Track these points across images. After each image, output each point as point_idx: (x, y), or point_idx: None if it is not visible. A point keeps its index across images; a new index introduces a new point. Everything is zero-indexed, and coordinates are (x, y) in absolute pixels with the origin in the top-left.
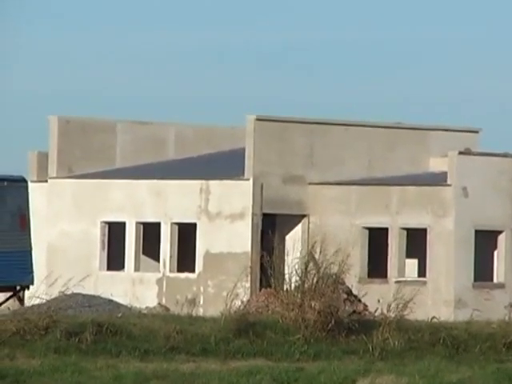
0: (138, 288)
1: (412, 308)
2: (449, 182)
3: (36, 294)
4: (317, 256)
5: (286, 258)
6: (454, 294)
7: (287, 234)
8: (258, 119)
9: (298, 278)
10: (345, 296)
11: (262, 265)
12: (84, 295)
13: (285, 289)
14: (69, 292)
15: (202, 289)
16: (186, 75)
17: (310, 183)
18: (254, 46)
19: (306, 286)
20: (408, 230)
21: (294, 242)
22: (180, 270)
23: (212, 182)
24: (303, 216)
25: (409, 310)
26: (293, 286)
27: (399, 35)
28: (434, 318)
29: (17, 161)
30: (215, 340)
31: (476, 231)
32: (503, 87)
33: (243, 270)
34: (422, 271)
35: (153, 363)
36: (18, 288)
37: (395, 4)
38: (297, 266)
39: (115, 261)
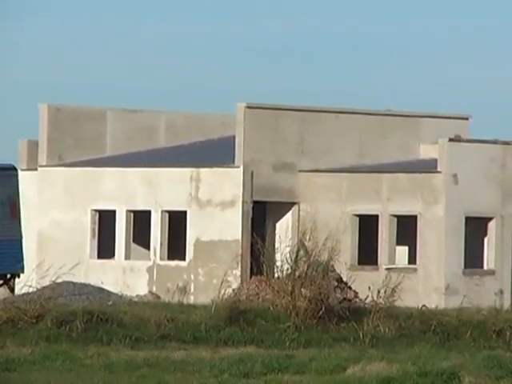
0: (129, 276)
1: (402, 295)
2: (439, 169)
3: (27, 283)
4: (307, 244)
5: (276, 245)
6: (444, 281)
7: (278, 221)
8: (248, 107)
9: (288, 266)
10: (335, 283)
11: (252, 252)
12: (75, 283)
13: (276, 276)
14: (59, 280)
15: (192, 277)
16: (177, 63)
17: (300, 171)
18: (245, 35)
19: (296, 273)
20: (398, 217)
21: (284, 229)
22: (170, 257)
23: (203, 170)
24: (294, 204)
25: (398, 296)
26: (284, 273)
27: (389, 23)
28: (423, 306)
29: (7, 149)
30: (206, 328)
31: (466, 218)
32: (493, 74)
33: (234, 257)
34: (412, 258)
35: (144, 351)
36: (8, 276)
37: None
38: (288, 254)
39: (106, 249)
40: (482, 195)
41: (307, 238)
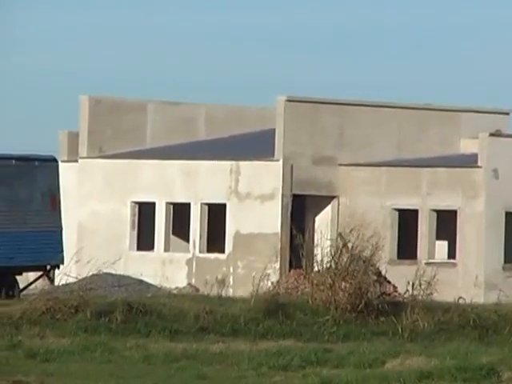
0: (168, 268)
1: (441, 289)
2: (479, 164)
3: (66, 274)
4: (348, 238)
5: (315, 239)
6: (484, 275)
7: (317, 215)
8: (288, 100)
9: (329, 260)
10: (374, 278)
11: (291, 246)
12: (114, 275)
13: (315, 270)
14: (99, 271)
15: (231, 269)
16: (217, 56)
17: (339, 164)
18: (285, 27)
19: (337, 267)
20: (438, 211)
21: (323, 223)
22: (210, 250)
23: (242, 163)
24: (333, 197)
25: (435, 290)
26: (324, 267)
27: (429, 16)
28: (460, 297)
29: (48, 141)
30: (245, 320)
31: (506, 213)
32: None
33: (273, 251)
34: (451, 253)
35: (182, 343)
36: (48, 267)
37: None
38: (328, 248)
39: (145, 241)
40: None
41: (348, 232)
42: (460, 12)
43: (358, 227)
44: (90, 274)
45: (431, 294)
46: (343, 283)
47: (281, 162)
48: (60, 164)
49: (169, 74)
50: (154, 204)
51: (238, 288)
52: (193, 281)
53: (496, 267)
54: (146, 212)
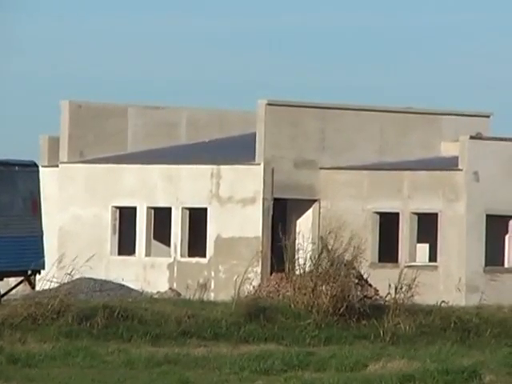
0: (150, 273)
1: (422, 292)
2: (460, 167)
3: (48, 279)
4: (329, 241)
5: (297, 242)
6: (465, 278)
7: (298, 218)
8: (269, 104)
9: (310, 263)
10: (356, 281)
11: (273, 249)
12: (95, 280)
13: (296, 273)
14: (80, 276)
15: (213, 273)
16: (198, 60)
17: (321, 168)
18: (266, 31)
19: (319, 270)
20: (419, 214)
21: (305, 226)
22: (191, 254)
23: (223, 167)
24: (314, 201)
25: (416, 293)
26: (305, 270)
27: (409, 20)
28: (443, 301)
29: (28, 146)
30: (226, 324)
31: (487, 216)
32: None
33: (254, 254)
34: (433, 256)
35: (164, 348)
36: (29, 272)
37: None
38: (309, 251)
39: (126, 245)
40: (503, 193)
41: (329, 235)
42: (441, 15)
43: (339, 230)
44: (72, 278)
45: (413, 296)
46: (325, 286)
47: (262, 165)
48: (41, 169)
49: (150, 79)
50: (135, 208)
51: (220, 292)
52: (174, 285)
53: (477, 270)
54: (127, 217)
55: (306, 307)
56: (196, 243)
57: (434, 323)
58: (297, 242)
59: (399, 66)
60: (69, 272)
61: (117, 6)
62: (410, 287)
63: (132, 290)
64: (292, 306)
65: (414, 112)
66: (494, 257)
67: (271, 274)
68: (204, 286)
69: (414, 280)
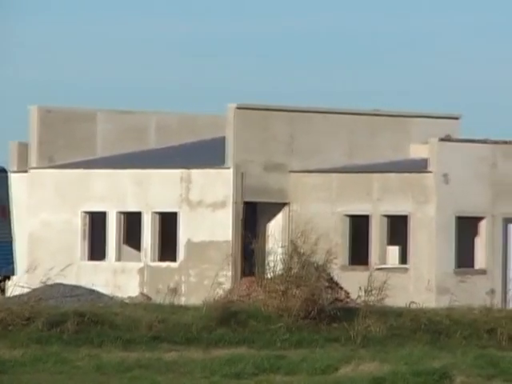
0: (120, 277)
1: (393, 295)
2: (430, 169)
3: (18, 285)
4: (300, 244)
5: (267, 246)
6: (435, 280)
7: (269, 222)
8: (238, 108)
9: (281, 267)
10: (327, 284)
11: (243, 253)
12: (66, 285)
13: (267, 277)
14: (51, 282)
15: (183, 278)
16: (168, 64)
17: (291, 171)
18: (235, 35)
19: (289, 274)
20: (389, 217)
21: (275, 230)
22: (162, 259)
23: (193, 171)
24: (284, 204)
25: (386, 295)
26: (276, 274)
27: (377, 23)
28: (412, 302)
29: None
30: (197, 329)
31: (457, 218)
32: (484, 74)
33: (225, 258)
34: (403, 258)
35: (135, 352)
36: None
37: None
38: (280, 255)
39: (97, 251)
40: (473, 195)
41: (299, 238)
42: (408, 18)
43: (309, 234)
44: (42, 284)
45: (383, 299)
46: (295, 290)
47: (232, 169)
48: (10, 174)
49: (119, 83)
50: (105, 213)
51: (191, 296)
52: (145, 290)
53: (448, 271)
54: (97, 222)
55: (276, 311)
56: (167, 248)
57: (404, 325)
58: (267, 245)
59: (368, 69)
60: (43, 280)
61: (84, 11)
62: (380, 290)
63: (103, 295)
64: (263, 309)
65: (382, 114)
66: (464, 258)
67: (242, 277)
68: (175, 291)
69: (385, 282)
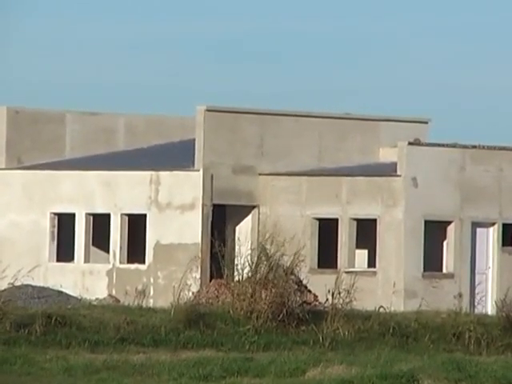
0: (88, 279)
1: (361, 298)
2: (398, 173)
3: None
4: (268, 247)
5: (236, 248)
6: (403, 283)
7: (237, 224)
8: (207, 110)
9: (249, 269)
10: (295, 287)
11: (212, 256)
12: (33, 287)
13: (236, 280)
14: (18, 283)
15: (152, 280)
16: (136, 65)
17: (260, 174)
18: (204, 37)
19: (257, 276)
20: (358, 220)
21: (244, 232)
22: (130, 261)
23: (162, 173)
24: (253, 207)
25: (355, 299)
26: (244, 276)
27: (347, 26)
28: (381, 307)
29: None
30: (165, 331)
31: (426, 221)
32: (452, 78)
33: (193, 260)
34: (371, 261)
35: (103, 354)
36: None
37: None
38: (248, 257)
39: (65, 252)
40: (441, 198)
41: (267, 241)
42: (377, 22)
43: (278, 236)
44: (9, 285)
45: (351, 302)
46: (264, 292)
47: (201, 171)
48: None
49: (87, 84)
50: (73, 215)
51: (159, 298)
52: (113, 292)
53: (416, 275)
54: (65, 223)
55: (245, 313)
56: (135, 249)
57: (372, 329)
58: (236, 247)
59: (337, 73)
60: (11, 282)
61: (53, 11)
62: (348, 293)
63: (70, 296)
64: (231, 312)
65: (352, 118)
66: (432, 262)
67: (210, 280)
68: (143, 293)
69: (353, 286)
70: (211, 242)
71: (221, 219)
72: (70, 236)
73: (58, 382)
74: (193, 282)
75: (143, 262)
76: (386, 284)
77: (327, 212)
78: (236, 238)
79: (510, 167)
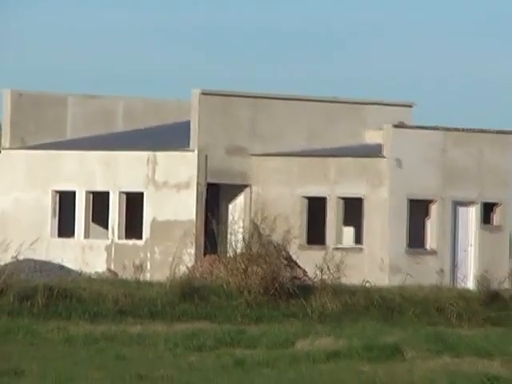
0: (88, 254)
1: (348, 273)
2: (384, 154)
3: None
4: (260, 224)
5: (229, 225)
6: (388, 259)
7: (230, 203)
8: (202, 93)
9: (242, 245)
10: (285, 262)
11: (206, 232)
12: (36, 261)
13: (229, 255)
14: (21, 258)
15: (148, 255)
16: (135, 52)
17: (252, 154)
18: (200, 24)
19: (250, 252)
20: (345, 199)
21: (237, 210)
22: (128, 236)
23: (159, 153)
24: (246, 186)
25: (343, 274)
26: (237, 252)
27: (334, 16)
28: (367, 281)
29: None
30: (161, 304)
31: (409, 200)
32: (435, 65)
33: (187, 236)
34: (358, 238)
35: (102, 325)
36: None
37: None
38: (241, 234)
39: (66, 228)
40: (424, 179)
41: (259, 218)
42: (363, 11)
43: (269, 214)
44: (13, 259)
45: (339, 278)
46: (256, 268)
47: (196, 152)
48: None
49: (88, 69)
50: (74, 193)
51: (155, 273)
52: (112, 266)
53: (400, 251)
54: (66, 200)
55: (237, 287)
56: (133, 226)
57: (358, 302)
58: (229, 225)
59: (325, 58)
60: (14, 256)
61: (56, 2)
62: (338, 268)
63: (71, 270)
64: (224, 286)
65: (340, 101)
66: (415, 239)
67: (205, 255)
68: (140, 267)
69: (342, 263)
70: (205, 219)
71: (215, 198)
72: (71, 213)
73: (59, 351)
74: (188, 258)
75: (140, 237)
76: (371, 260)
77: (316, 191)
78: (229, 216)
79: (489, 149)
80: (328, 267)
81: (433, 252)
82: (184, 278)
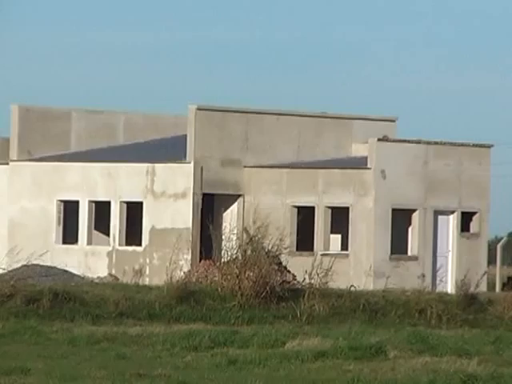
0: (91, 260)
1: (335, 278)
2: (369, 166)
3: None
4: (251, 232)
5: (223, 233)
6: (373, 265)
7: (225, 211)
8: (198, 108)
9: (235, 251)
10: (276, 267)
11: (201, 239)
12: (42, 266)
13: (223, 260)
14: (28, 263)
15: (147, 260)
16: (136, 69)
17: (245, 166)
18: (197, 43)
19: (243, 258)
20: (332, 208)
21: (230, 219)
22: (128, 243)
23: (157, 165)
24: (239, 195)
25: (331, 278)
26: (231, 258)
27: (323, 33)
28: (352, 286)
29: None
30: (159, 306)
31: (393, 209)
32: (418, 81)
33: (185, 243)
34: (344, 245)
35: (103, 327)
36: None
37: (323, 3)
38: (234, 241)
39: (70, 235)
40: (407, 189)
41: (251, 226)
42: (352, 29)
43: (261, 222)
44: (21, 265)
45: (327, 282)
46: (248, 272)
47: (192, 164)
48: None
49: (91, 86)
50: (77, 202)
51: (154, 277)
52: (113, 271)
53: (384, 257)
54: (70, 209)
55: (231, 291)
56: (133, 233)
57: (344, 305)
58: (223, 232)
59: (314, 75)
60: (25, 262)
61: (59, 17)
62: (326, 273)
63: (75, 275)
64: (219, 289)
65: (328, 116)
66: (398, 246)
67: (200, 261)
68: (139, 272)
69: (330, 268)
70: (201, 227)
71: (210, 207)
72: (75, 221)
73: (63, 351)
74: (184, 263)
75: (140, 244)
76: (357, 265)
77: (305, 201)
78: (223, 224)
79: (468, 161)
80: (316, 272)
81: (414, 258)
82: (181, 282)
